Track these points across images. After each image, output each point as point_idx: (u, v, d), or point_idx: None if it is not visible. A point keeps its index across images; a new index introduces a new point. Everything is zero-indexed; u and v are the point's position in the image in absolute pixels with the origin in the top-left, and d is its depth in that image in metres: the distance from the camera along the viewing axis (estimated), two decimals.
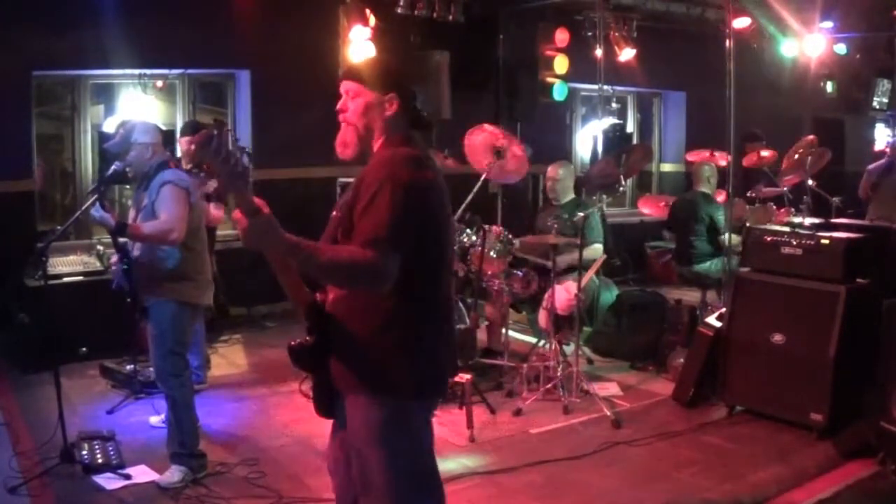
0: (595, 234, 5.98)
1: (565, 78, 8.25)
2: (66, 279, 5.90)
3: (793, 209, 6.52)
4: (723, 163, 6.75)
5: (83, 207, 3.93)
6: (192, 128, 5.93)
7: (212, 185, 5.43)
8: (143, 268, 3.96)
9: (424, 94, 7.75)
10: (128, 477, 4.00)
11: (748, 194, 7.08)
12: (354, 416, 2.36)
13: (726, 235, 5.99)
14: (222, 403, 5.23)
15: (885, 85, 11.24)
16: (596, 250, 5.94)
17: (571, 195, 6.27)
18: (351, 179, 2.48)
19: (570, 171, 6.38)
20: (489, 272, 5.64)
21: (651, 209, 8.09)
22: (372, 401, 2.32)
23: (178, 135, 6.45)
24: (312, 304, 2.38)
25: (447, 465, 4.32)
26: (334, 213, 2.44)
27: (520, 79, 8.17)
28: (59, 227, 5.09)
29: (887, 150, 7.99)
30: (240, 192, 2.12)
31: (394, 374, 2.31)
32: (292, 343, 2.37)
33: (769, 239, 5.08)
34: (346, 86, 2.46)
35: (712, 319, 5.37)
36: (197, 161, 2.11)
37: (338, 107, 2.47)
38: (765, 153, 7.14)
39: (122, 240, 4.01)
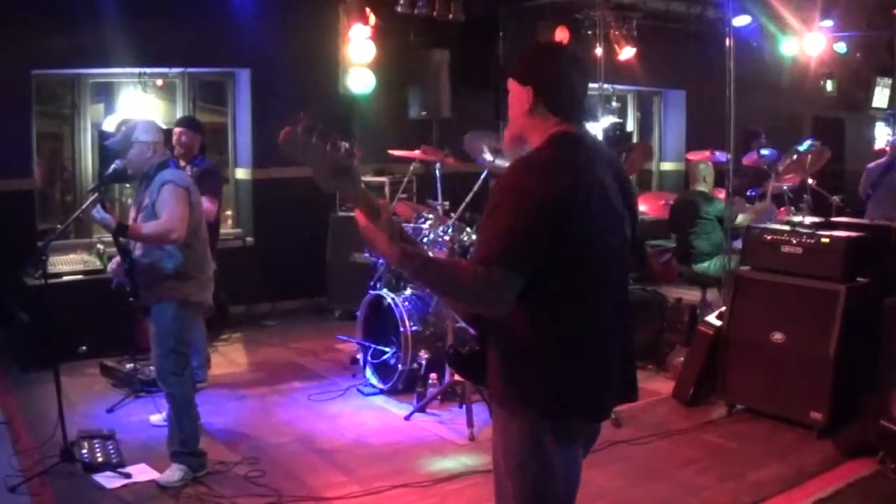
0: None
1: None
2: (66, 278, 5.91)
3: (793, 208, 6.52)
4: (724, 159, 6.72)
5: (83, 206, 3.92)
6: (187, 120, 5.85)
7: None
8: (145, 268, 3.95)
9: (424, 93, 7.77)
10: (128, 476, 4.00)
11: (748, 193, 7.08)
12: (496, 429, 2.28)
13: (729, 232, 5.97)
14: (222, 402, 5.23)
15: (885, 84, 11.24)
16: None
17: None
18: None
19: None
20: None
21: (651, 208, 8.08)
22: (508, 416, 2.20)
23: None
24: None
25: (447, 463, 4.33)
26: None
27: None
28: (59, 226, 5.09)
29: (887, 148, 7.99)
30: (343, 191, 1.98)
31: (522, 391, 2.15)
32: (458, 349, 2.26)
33: (769, 238, 5.08)
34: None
35: (712, 318, 5.37)
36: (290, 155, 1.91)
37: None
38: (764, 151, 7.13)
39: (123, 240, 4.00)
